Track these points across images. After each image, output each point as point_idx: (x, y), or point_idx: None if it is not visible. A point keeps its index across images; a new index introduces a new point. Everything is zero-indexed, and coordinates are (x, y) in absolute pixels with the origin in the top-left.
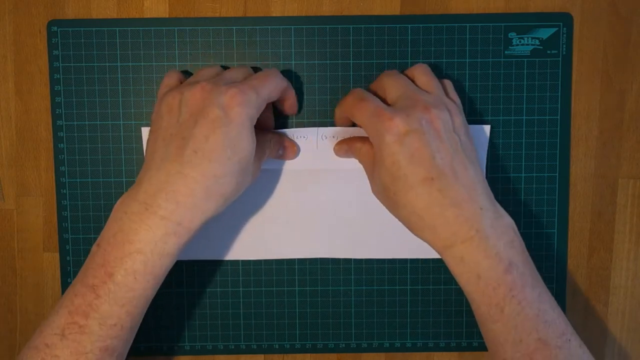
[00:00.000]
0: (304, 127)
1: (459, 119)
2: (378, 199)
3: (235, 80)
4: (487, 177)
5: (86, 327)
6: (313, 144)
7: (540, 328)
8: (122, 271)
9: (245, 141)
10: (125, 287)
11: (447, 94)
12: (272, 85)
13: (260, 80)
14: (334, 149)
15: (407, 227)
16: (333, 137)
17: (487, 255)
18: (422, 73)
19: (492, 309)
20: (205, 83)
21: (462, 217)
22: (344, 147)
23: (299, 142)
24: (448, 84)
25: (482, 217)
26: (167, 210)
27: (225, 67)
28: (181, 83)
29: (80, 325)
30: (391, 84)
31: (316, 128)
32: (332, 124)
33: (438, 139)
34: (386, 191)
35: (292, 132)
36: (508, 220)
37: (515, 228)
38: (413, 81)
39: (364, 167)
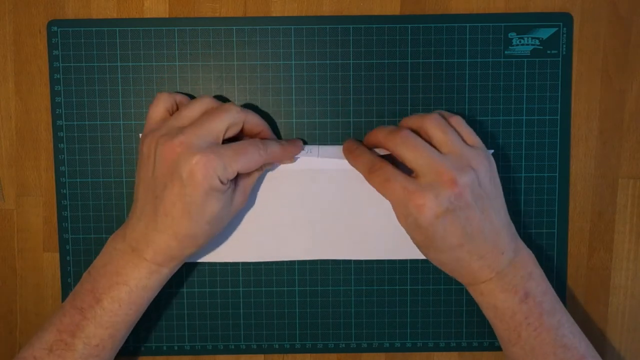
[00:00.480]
0: (304, 127)
1: (483, 168)
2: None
3: (233, 123)
4: None
5: (72, 345)
6: (314, 153)
7: (558, 352)
8: (109, 298)
9: (212, 206)
10: (110, 312)
11: (463, 138)
12: (245, 161)
13: (235, 153)
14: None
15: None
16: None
17: (503, 290)
18: (435, 128)
19: (510, 333)
20: (179, 141)
21: (485, 266)
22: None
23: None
24: (458, 123)
25: (502, 261)
26: (148, 254)
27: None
28: (170, 114)
29: (66, 342)
30: (410, 152)
31: (317, 147)
32: (332, 124)
33: (467, 209)
34: (416, 244)
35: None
36: (526, 254)
37: (534, 260)
38: (427, 134)
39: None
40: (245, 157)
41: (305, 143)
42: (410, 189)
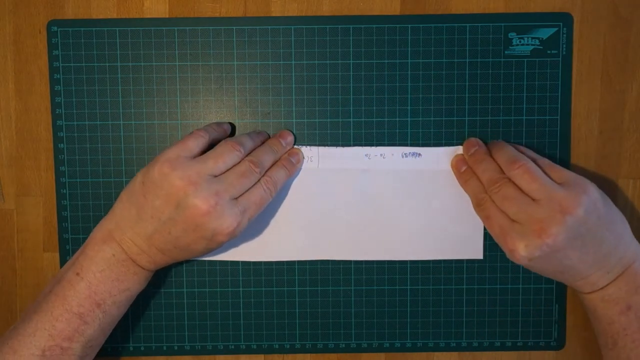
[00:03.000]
0: (304, 127)
1: (580, 208)
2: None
3: (263, 167)
4: None
5: (69, 349)
6: (315, 160)
7: None
8: (110, 302)
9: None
10: (110, 316)
11: (552, 178)
12: (260, 209)
13: (257, 208)
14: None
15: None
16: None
17: (604, 300)
18: (521, 177)
19: (607, 339)
20: (215, 202)
21: (588, 283)
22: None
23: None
24: (546, 163)
25: (606, 279)
26: (148, 264)
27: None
28: (201, 147)
29: (63, 347)
30: (508, 202)
31: (317, 148)
32: (332, 124)
33: (562, 250)
34: (531, 267)
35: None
36: (637, 266)
37: None
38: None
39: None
40: (262, 207)
41: (296, 140)
42: (506, 231)
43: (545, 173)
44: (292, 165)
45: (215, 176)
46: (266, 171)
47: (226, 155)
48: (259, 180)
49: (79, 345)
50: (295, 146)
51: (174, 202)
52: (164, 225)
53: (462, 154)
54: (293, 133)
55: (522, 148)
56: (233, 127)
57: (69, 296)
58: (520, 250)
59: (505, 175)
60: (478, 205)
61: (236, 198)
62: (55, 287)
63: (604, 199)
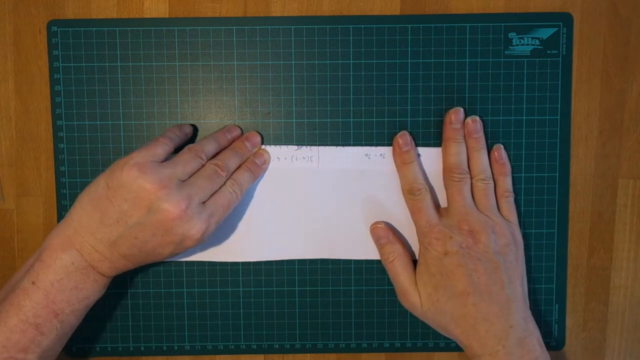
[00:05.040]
0: (304, 127)
1: (505, 240)
2: (424, 309)
3: (229, 170)
4: None
5: None
6: (315, 160)
7: None
8: (69, 311)
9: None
10: (68, 325)
11: (502, 212)
12: (227, 212)
13: (225, 211)
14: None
15: (445, 334)
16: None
17: None
18: (482, 191)
19: None
20: (185, 206)
21: (491, 332)
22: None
23: (299, 162)
24: (507, 198)
25: (510, 334)
26: (108, 271)
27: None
28: (166, 154)
29: (17, 359)
30: (456, 194)
31: (317, 147)
32: (332, 124)
33: (475, 260)
34: (430, 298)
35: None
36: (535, 338)
37: (542, 343)
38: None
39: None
40: (228, 210)
41: (299, 143)
42: (432, 223)
43: (501, 207)
44: (257, 167)
45: (183, 181)
46: (232, 174)
47: (193, 162)
48: (224, 183)
49: (35, 356)
50: (262, 146)
51: (144, 205)
52: (131, 230)
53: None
54: (260, 134)
55: (507, 177)
56: (195, 128)
57: (25, 306)
58: (444, 238)
59: (468, 172)
60: (410, 193)
61: (203, 202)
62: (9, 296)
63: (523, 260)
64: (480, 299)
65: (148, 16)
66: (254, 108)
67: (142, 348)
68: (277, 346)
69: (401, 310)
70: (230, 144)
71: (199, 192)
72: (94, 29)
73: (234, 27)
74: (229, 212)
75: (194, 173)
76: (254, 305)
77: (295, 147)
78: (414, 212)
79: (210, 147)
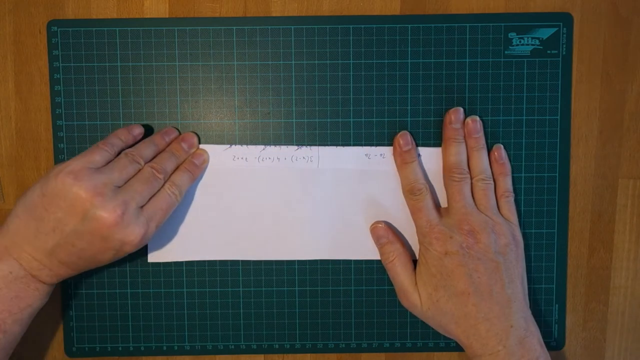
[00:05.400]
0: (304, 127)
1: (505, 240)
2: (424, 309)
3: (165, 172)
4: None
5: None
6: (315, 160)
7: None
8: (11, 321)
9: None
10: (12, 334)
11: (502, 212)
12: (164, 218)
13: (164, 215)
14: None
15: (446, 334)
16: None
17: None
18: (482, 191)
19: None
20: (121, 211)
21: (492, 332)
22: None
23: (297, 162)
24: (507, 198)
25: (510, 334)
26: (49, 278)
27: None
28: (105, 161)
29: None
30: (456, 193)
31: (317, 147)
32: (332, 124)
33: (476, 260)
34: (431, 298)
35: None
36: (536, 337)
37: (542, 343)
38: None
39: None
40: (168, 212)
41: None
42: (433, 223)
43: (501, 208)
44: (195, 167)
45: (119, 187)
46: (170, 176)
47: (129, 167)
48: (163, 186)
49: None
50: (201, 146)
51: (79, 213)
52: (67, 238)
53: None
54: (197, 134)
55: (507, 177)
56: (150, 128)
57: None
58: (444, 238)
59: (468, 172)
60: (411, 193)
61: (142, 207)
62: None
63: (524, 260)
64: (481, 299)
65: (148, 16)
66: (254, 108)
67: (142, 348)
68: (277, 346)
69: (401, 310)
70: (134, 140)
71: (136, 197)
72: (94, 29)
73: (234, 27)
74: (169, 214)
75: (132, 177)
76: (254, 305)
77: (295, 147)
78: (415, 212)
79: (148, 151)
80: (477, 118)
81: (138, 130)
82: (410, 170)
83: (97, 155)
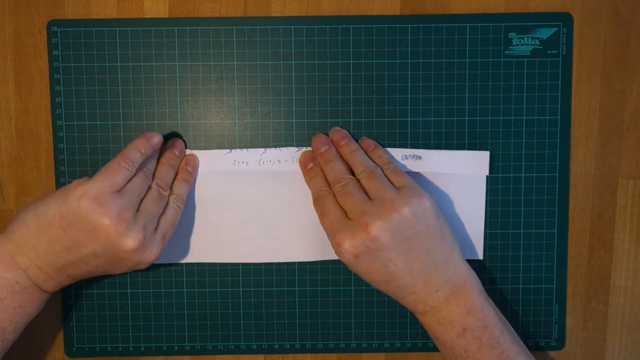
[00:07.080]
0: (304, 127)
1: (409, 210)
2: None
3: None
4: (487, 179)
5: None
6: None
7: None
8: (11, 330)
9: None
10: (8, 342)
11: (391, 180)
12: (174, 226)
13: (172, 228)
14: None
15: None
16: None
17: (439, 323)
18: (363, 174)
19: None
20: (143, 236)
21: (418, 300)
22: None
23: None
24: (386, 164)
25: (436, 297)
26: (52, 288)
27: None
28: (126, 181)
29: None
30: (345, 196)
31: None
32: (332, 124)
33: (386, 251)
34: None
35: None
36: (469, 288)
37: (479, 291)
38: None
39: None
40: (175, 225)
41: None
42: (335, 227)
43: (389, 177)
44: (189, 174)
45: (137, 210)
46: (171, 188)
47: (145, 188)
48: (168, 201)
49: None
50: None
51: (101, 239)
52: (83, 258)
53: (310, 151)
54: (182, 138)
55: (380, 150)
56: (151, 128)
57: None
58: (346, 245)
59: (352, 176)
60: (316, 201)
61: (155, 227)
62: None
63: (436, 212)
64: (402, 282)
65: (148, 16)
66: (254, 108)
67: (142, 348)
68: (277, 346)
69: (401, 310)
70: (153, 149)
71: (152, 220)
72: (94, 29)
73: (234, 27)
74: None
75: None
76: (254, 305)
77: (296, 148)
78: (319, 216)
79: (152, 164)
80: (339, 128)
81: (156, 139)
82: (313, 180)
83: (118, 177)
